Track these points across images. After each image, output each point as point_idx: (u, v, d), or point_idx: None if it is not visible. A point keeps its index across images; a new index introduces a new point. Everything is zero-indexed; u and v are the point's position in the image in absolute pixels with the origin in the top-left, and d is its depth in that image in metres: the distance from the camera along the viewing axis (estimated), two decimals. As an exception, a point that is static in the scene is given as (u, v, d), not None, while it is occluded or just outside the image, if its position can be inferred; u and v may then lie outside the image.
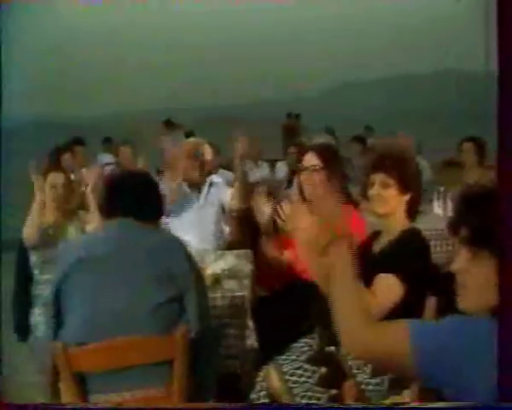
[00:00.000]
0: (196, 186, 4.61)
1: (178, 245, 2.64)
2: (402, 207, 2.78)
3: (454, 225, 1.69)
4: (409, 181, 2.76)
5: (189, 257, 2.62)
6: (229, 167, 6.97)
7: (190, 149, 4.62)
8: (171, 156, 4.76)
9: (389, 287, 2.63)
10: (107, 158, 10.19)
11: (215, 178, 4.79)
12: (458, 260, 1.66)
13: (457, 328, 1.59)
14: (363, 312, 1.74)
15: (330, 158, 3.62)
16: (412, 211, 2.81)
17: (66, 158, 6.34)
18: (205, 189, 4.61)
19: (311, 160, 3.60)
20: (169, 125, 14.65)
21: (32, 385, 3.96)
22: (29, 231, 3.93)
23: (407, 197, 2.76)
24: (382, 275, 2.65)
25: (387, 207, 2.78)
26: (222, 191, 4.63)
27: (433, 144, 10.55)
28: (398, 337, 1.62)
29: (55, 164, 5.30)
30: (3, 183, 3.37)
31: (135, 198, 2.58)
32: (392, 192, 2.76)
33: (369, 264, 2.79)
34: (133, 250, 2.49)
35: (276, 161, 9.50)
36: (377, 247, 2.88)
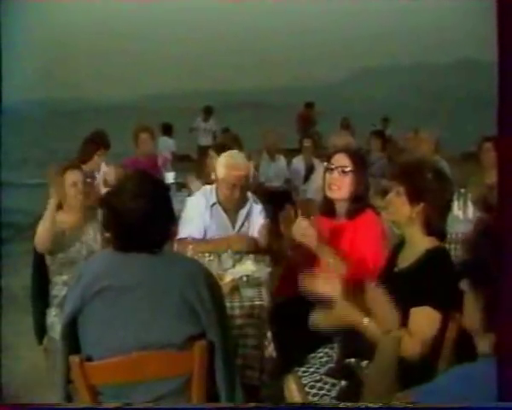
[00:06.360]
0: (234, 209, 4.22)
1: (201, 278, 2.50)
2: (417, 219, 2.73)
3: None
4: (418, 192, 2.71)
5: (210, 289, 2.49)
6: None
7: (241, 175, 4.08)
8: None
9: (428, 321, 2.58)
10: None
11: (254, 203, 4.32)
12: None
13: (464, 379, 1.62)
14: None
15: (359, 162, 3.60)
16: (431, 225, 2.74)
17: (101, 154, 5.95)
18: (242, 214, 4.24)
19: (340, 160, 3.56)
20: (207, 112, 14.36)
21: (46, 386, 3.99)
22: (41, 238, 3.83)
23: (419, 208, 2.71)
24: (418, 310, 2.59)
25: (398, 215, 2.79)
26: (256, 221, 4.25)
27: (452, 137, 10.48)
28: None
29: (74, 161, 5.14)
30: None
31: (146, 235, 2.41)
32: (402, 200, 2.75)
33: (394, 283, 2.74)
34: (155, 282, 2.39)
35: (293, 150, 9.43)
36: (402, 263, 2.83)
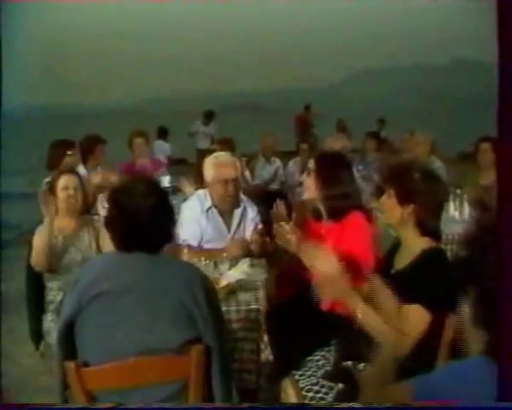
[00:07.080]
0: (229, 212, 4.26)
1: (198, 282, 2.50)
2: (410, 220, 2.72)
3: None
4: (407, 193, 2.71)
5: (207, 293, 2.49)
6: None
7: (230, 171, 4.15)
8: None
9: (418, 319, 2.56)
10: None
11: (248, 205, 4.36)
12: None
13: (457, 376, 1.64)
14: None
15: (324, 163, 3.65)
16: (424, 225, 2.73)
17: (72, 155, 5.68)
18: (237, 216, 4.28)
19: (310, 163, 3.69)
20: (208, 116, 14.25)
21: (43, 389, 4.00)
22: (38, 259, 3.83)
23: (409, 209, 2.70)
24: (408, 307, 2.57)
25: (391, 217, 2.79)
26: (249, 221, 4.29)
27: (451, 137, 10.46)
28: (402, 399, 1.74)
29: (63, 165, 5.11)
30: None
31: (151, 234, 2.44)
32: (393, 202, 2.75)
33: (390, 285, 2.73)
34: (154, 285, 2.40)
35: (290, 153, 9.40)
36: (398, 265, 2.82)
